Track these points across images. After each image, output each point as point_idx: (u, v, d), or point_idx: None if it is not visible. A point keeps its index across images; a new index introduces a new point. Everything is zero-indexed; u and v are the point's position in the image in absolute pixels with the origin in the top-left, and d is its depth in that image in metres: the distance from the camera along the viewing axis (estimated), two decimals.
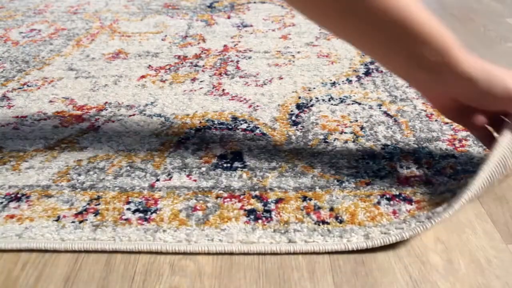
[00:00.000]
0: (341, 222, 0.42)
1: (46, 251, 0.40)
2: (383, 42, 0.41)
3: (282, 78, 0.70)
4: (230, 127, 0.57)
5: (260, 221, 0.42)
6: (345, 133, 0.55)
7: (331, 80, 0.69)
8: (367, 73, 0.71)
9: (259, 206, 0.44)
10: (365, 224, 0.41)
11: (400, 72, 0.44)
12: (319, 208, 0.43)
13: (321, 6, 0.40)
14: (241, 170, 0.49)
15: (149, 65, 0.76)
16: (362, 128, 0.56)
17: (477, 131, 0.46)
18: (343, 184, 0.46)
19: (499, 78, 0.39)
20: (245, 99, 0.64)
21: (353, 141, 0.54)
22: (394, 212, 0.42)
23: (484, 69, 0.40)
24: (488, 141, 0.44)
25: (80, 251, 0.40)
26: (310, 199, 0.44)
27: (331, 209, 0.43)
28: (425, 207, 0.42)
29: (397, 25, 0.38)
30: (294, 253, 0.39)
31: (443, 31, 0.39)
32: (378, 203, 0.44)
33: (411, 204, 0.43)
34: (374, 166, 0.49)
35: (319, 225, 0.41)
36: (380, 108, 0.61)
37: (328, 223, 0.41)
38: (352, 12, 0.39)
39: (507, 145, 0.40)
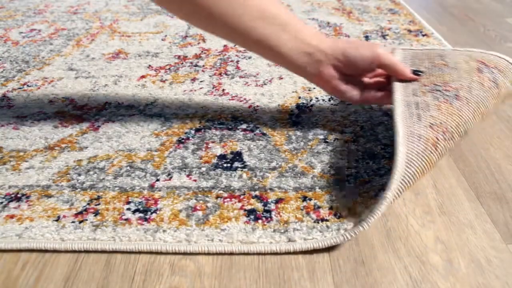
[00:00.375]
0: (339, 217, 0.42)
1: (46, 251, 0.40)
2: (259, 42, 0.49)
3: (282, 78, 0.70)
4: (230, 127, 0.57)
5: (260, 221, 0.42)
6: (345, 133, 0.55)
7: None
8: None
9: (259, 206, 0.44)
10: (360, 212, 0.42)
11: (288, 66, 0.52)
12: (319, 207, 0.43)
13: (184, 10, 0.48)
14: (241, 170, 0.49)
15: (149, 65, 0.76)
16: (362, 128, 0.56)
17: (370, 95, 0.52)
18: (343, 184, 0.46)
19: (366, 44, 0.50)
20: (245, 99, 0.64)
21: (353, 141, 0.54)
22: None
23: (350, 40, 0.51)
24: (384, 98, 0.52)
25: (80, 251, 0.40)
26: (310, 199, 0.44)
27: (331, 208, 0.43)
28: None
29: (265, 23, 0.47)
30: (294, 253, 0.39)
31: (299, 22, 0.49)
32: (376, 195, 0.44)
33: None
34: (374, 166, 0.49)
35: (318, 222, 0.41)
36: (380, 108, 0.61)
37: (327, 220, 0.42)
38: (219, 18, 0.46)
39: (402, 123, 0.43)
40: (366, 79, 0.54)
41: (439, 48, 0.58)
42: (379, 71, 0.52)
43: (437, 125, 0.43)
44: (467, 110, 0.45)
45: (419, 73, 0.50)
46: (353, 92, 0.52)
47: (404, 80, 0.50)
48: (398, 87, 0.49)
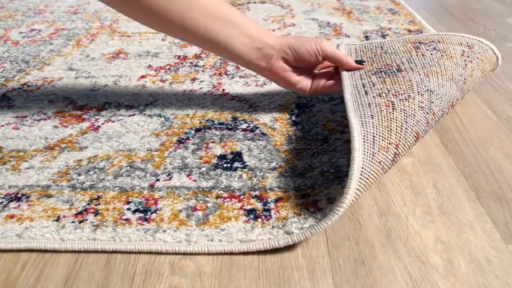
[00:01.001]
0: (333, 203, 0.42)
1: (46, 251, 0.40)
2: (212, 43, 0.53)
3: None
4: (230, 127, 0.57)
5: (259, 219, 0.42)
6: (345, 133, 0.55)
7: None
8: None
9: (259, 206, 0.44)
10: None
11: (240, 61, 0.56)
12: (317, 201, 0.43)
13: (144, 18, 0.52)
14: (241, 170, 0.49)
15: (149, 65, 0.76)
16: None
17: (320, 84, 0.57)
18: (343, 184, 0.46)
19: (311, 38, 0.54)
20: (245, 99, 0.64)
21: None
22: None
23: (297, 36, 0.56)
24: (334, 87, 0.56)
25: (80, 251, 0.40)
26: (309, 196, 0.44)
27: (328, 199, 0.43)
28: None
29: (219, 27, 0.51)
30: (293, 247, 0.39)
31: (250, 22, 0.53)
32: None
33: None
34: None
35: (315, 213, 0.41)
36: None
37: (324, 209, 0.42)
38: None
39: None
40: (316, 71, 0.59)
41: (379, 40, 0.62)
42: (327, 63, 0.57)
43: (385, 93, 0.47)
44: (414, 74, 0.50)
45: (362, 62, 0.55)
46: (303, 83, 0.57)
47: (350, 69, 0.55)
48: (345, 75, 0.54)
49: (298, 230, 0.40)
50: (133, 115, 0.61)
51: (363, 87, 0.50)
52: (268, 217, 0.42)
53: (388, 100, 0.45)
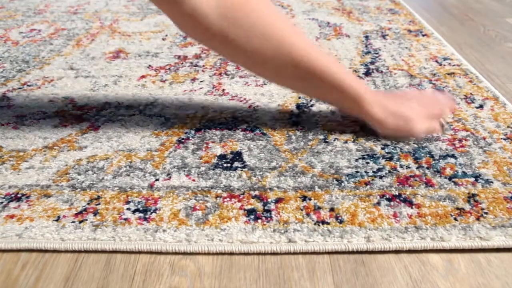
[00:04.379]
0: (341, 222, 0.42)
1: (46, 251, 0.40)
2: (313, 93, 0.55)
3: None
4: (230, 127, 0.57)
5: (260, 220, 0.42)
6: (345, 133, 0.55)
7: None
8: (367, 73, 0.71)
9: (259, 206, 0.44)
10: (366, 225, 0.41)
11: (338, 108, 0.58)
12: (319, 208, 0.43)
13: (261, 71, 0.52)
14: (241, 170, 0.49)
15: (149, 65, 0.75)
16: (362, 128, 0.56)
17: None
18: (343, 184, 0.46)
19: (404, 122, 0.52)
20: (245, 99, 0.64)
21: (353, 141, 0.54)
22: (394, 215, 0.42)
23: (390, 111, 0.52)
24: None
25: (80, 251, 0.40)
26: (310, 199, 0.44)
27: (331, 209, 0.43)
28: (426, 217, 0.42)
29: (318, 81, 0.50)
30: (294, 253, 0.39)
31: (354, 80, 0.51)
32: (378, 203, 0.44)
33: (412, 207, 0.43)
34: (374, 166, 0.49)
35: (319, 225, 0.41)
36: None
37: (328, 223, 0.41)
38: (283, 73, 0.50)
39: None
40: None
41: None
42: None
43: None
44: None
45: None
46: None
47: None
48: None
49: (302, 241, 0.40)
50: (133, 115, 0.61)
51: None
52: (269, 218, 0.42)
53: None
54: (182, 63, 0.76)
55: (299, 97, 0.64)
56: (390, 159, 0.50)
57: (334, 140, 0.54)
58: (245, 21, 0.45)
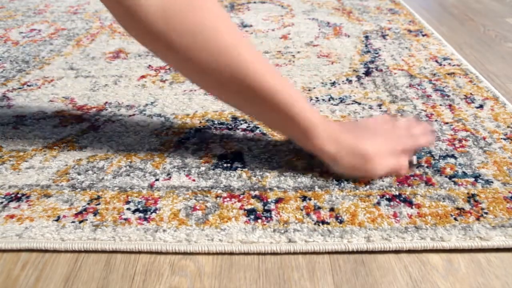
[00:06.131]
0: (341, 222, 0.42)
1: (46, 251, 0.40)
2: (260, 117, 0.48)
3: None
4: (230, 127, 0.57)
5: (260, 220, 0.42)
6: None
7: (331, 80, 0.69)
8: (367, 73, 0.71)
9: (259, 206, 0.44)
10: (366, 225, 0.41)
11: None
12: (319, 208, 0.43)
13: (209, 86, 0.45)
14: (241, 170, 0.49)
15: (149, 65, 0.75)
16: None
17: None
18: (342, 184, 0.46)
19: (362, 160, 0.45)
20: None
21: None
22: (394, 215, 0.42)
23: (346, 147, 0.45)
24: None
25: (80, 251, 0.40)
26: (310, 199, 0.44)
27: (331, 209, 0.43)
28: (426, 216, 0.42)
29: (263, 102, 0.43)
30: (294, 253, 0.39)
31: (306, 107, 0.44)
32: (378, 203, 0.44)
33: (412, 207, 0.43)
34: None
35: (319, 225, 0.41)
36: (380, 108, 0.61)
37: (328, 223, 0.41)
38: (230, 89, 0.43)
39: None
40: None
41: None
42: None
43: None
44: None
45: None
46: None
47: None
48: None
49: (302, 241, 0.40)
50: (133, 115, 0.61)
51: None
52: (269, 218, 0.42)
53: None
54: None
55: None
56: None
57: None
58: (191, 24, 0.40)
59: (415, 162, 0.49)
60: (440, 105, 0.61)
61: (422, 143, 0.49)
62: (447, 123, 0.57)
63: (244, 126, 0.57)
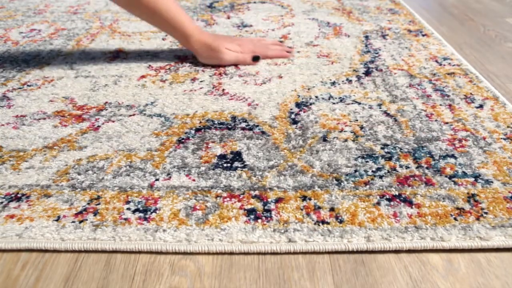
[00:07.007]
0: (341, 222, 0.42)
1: (46, 251, 0.40)
2: (161, 28, 0.73)
3: (281, 77, 0.70)
4: (230, 126, 0.57)
5: (260, 220, 0.42)
6: (344, 131, 0.55)
7: (331, 80, 0.69)
8: (367, 73, 0.71)
9: (259, 205, 0.44)
10: (366, 225, 0.41)
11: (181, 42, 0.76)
12: (319, 208, 0.43)
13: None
14: (241, 170, 0.49)
15: (149, 65, 0.75)
16: (362, 127, 0.56)
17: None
18: (342, 184, 0.46)
19: (214, 52, 0.72)
20: (244, 98, 0.64)
21: (353, 140, 0.54)
22: (394, 215, 0.42)
23: (207, 44, 0.72)
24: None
25: (80, 251, 0.40)
26: (310, 199, 0.44)
27: (331, 209, 0.43)
28: (426, 216, 0.42)
29: (161, 19, 0.69)
30: (294, 253, 0.39)
31: (186, 21, 0.71)
32: (378, 203, 0.44)
33: (411, 207, 0.43)
34: (374, 165, 0.49)
35: (319, 225, 0.41)
36: (380, 108, 0.61)
37: (328, 223, 0.41)
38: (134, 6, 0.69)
39: None
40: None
41: None
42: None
43: None
44: None
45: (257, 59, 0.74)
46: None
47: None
48: None
49: (302, 241, 0.40)
50: (133, 115, 0.61)
51: None
52: (269, 218, 0.42)
53: None
54: (182, 63, 0.76)
55: (298, 96, 0.64)
56: (390, 159, 0.50)
57: (333, 139, 0.54)
58: None
59: (259, 58, 0.74)
60: (440, 105, 0.61)
61: (270, 53, 0.76)
62: (447, 123, 0.57)
63: (243, 124, 0.57)
